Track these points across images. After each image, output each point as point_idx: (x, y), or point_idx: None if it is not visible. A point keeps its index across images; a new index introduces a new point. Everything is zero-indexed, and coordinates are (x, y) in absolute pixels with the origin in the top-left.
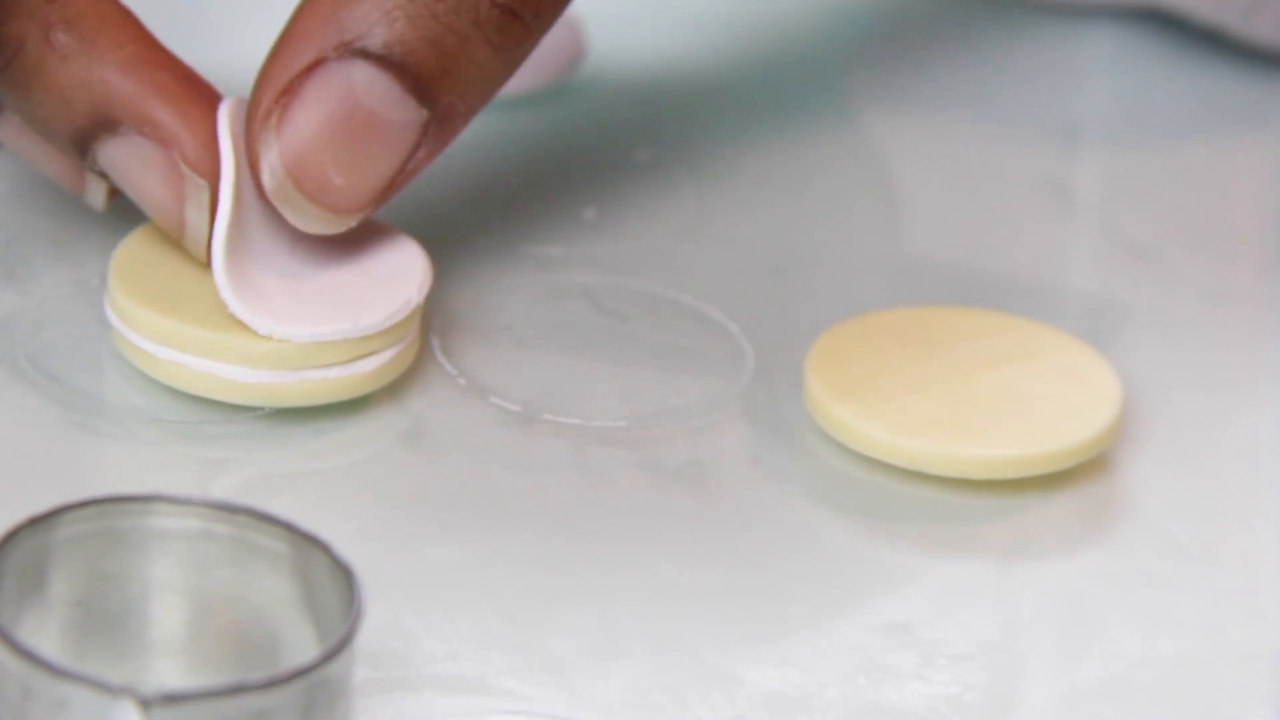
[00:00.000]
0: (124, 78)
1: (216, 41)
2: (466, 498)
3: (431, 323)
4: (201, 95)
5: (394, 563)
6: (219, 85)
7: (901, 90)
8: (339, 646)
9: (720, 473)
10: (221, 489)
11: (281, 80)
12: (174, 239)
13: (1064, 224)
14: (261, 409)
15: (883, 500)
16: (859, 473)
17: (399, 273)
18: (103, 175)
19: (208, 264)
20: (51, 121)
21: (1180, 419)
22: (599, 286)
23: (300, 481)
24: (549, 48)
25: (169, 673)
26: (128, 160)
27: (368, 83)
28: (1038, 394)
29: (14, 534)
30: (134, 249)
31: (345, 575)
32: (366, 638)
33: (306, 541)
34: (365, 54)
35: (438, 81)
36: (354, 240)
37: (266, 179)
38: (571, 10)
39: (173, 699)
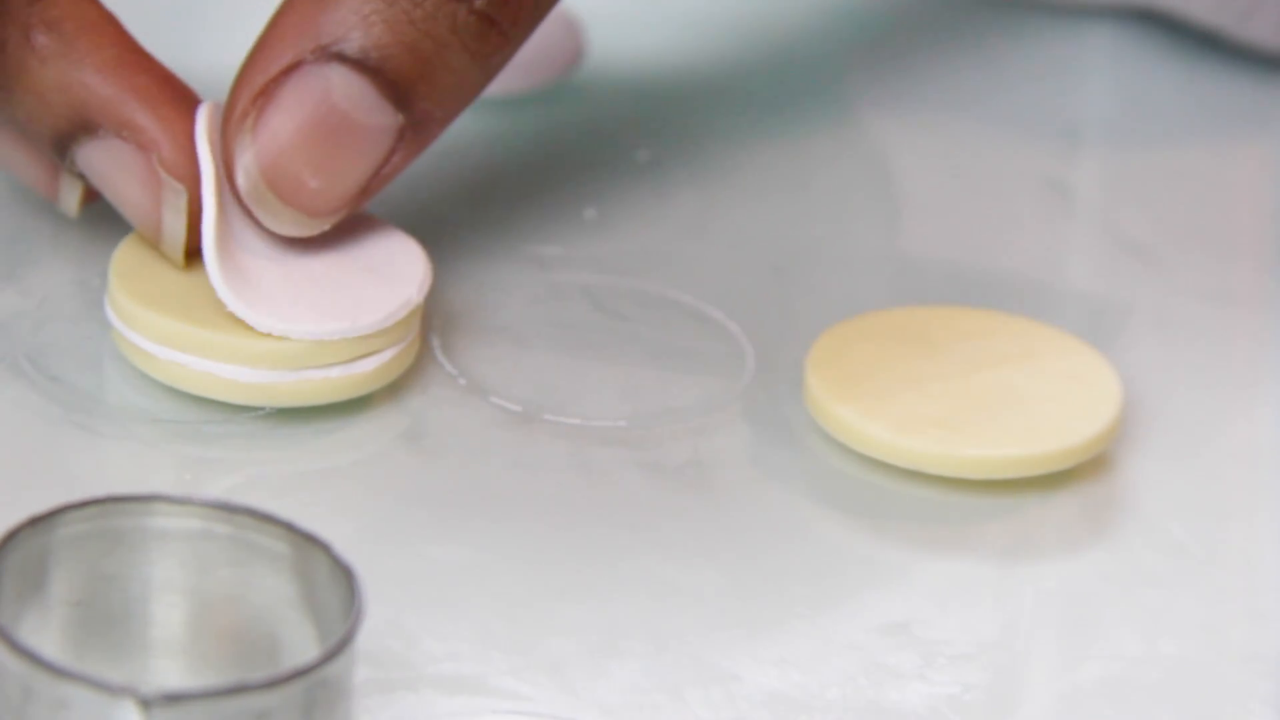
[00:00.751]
0: (103, 81)
1: (199, 45)
2: (466, 498)
3: (431, 323)
4: (180, 99)
5: (394, 563)
6: (202, 89)
7: (901, 90)
8: (339, 646)
9: (720, 473)
10: (221, 489)
11: (258, 82)
12: (151, 242)
13: (1064, 224)
14: (261, 409)
15: (883, 500)
16: (859, 472)
17: (399, 272)
18: (81, 177)
19: (184, 267)
20: (30, 123)
21: (1180, 419)
22: (599, 286)
23: (300, 481)
24: (549, 48)
25: (169, 673)
26: (106, 163)
27: (344, 86)
28: (1038, 394)
29: (14, 534)
30: (134, 249)
31: (345, 575)
32: (367, 638)
33: (306, 541)
34: (342, 58)
35: (414, 87)
36: (353, 239)
37: (241, 180)
38: (571, 10)
39: (173, 699)
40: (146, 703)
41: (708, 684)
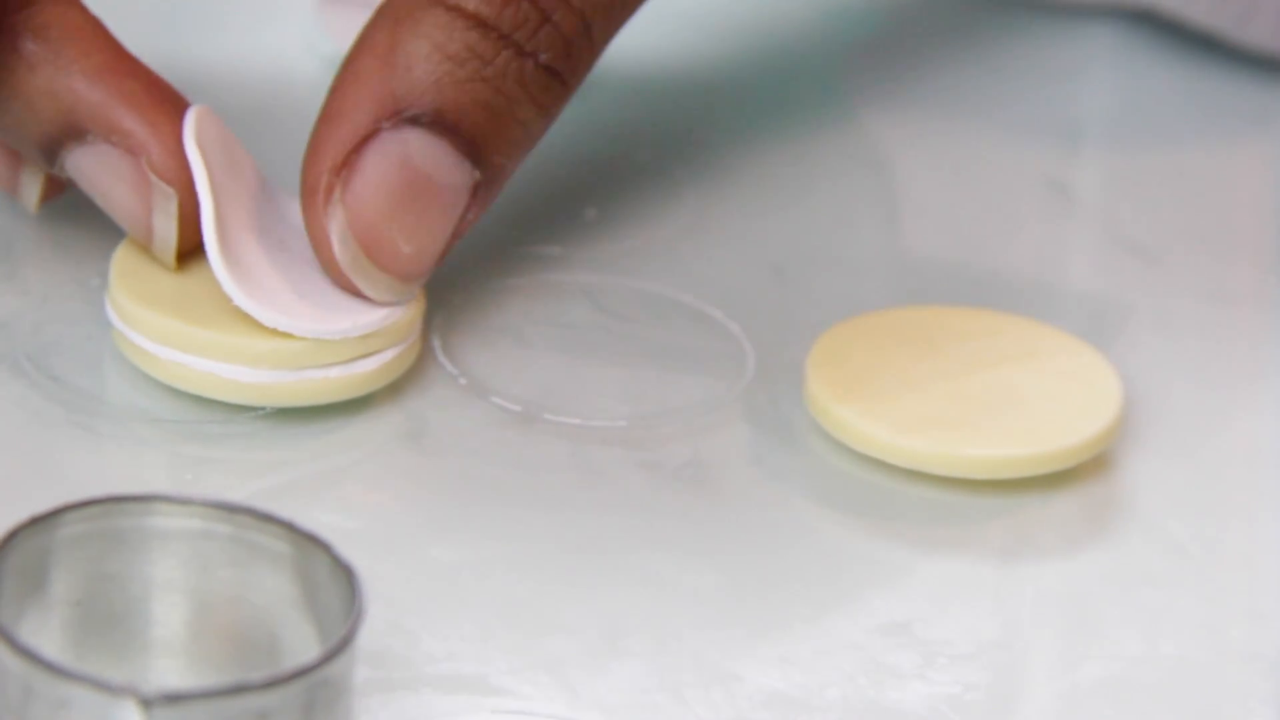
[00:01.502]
0: (91, 86)
1: (186, 48)
2: (466, 498)
3: (432, 323)
4: (168, 103)
5: (395, 562)
6: (189, 92)
7: (902, 90)
8: (340, 646)
9: (720, 472)
10: (221, 489)
11: (338, 153)
12: (143, 245)
13: (1064, 224)
14: (262, 409)
15: (883, 500)
16: (859, 472)
17: None
18: (70, 182)
19: (175, 269)
20: (19, 129)
21: (1181, 419)
22: (599, 286)
23: (300, 481)
24: None
25: (170, 673)
26: (95, 168)
27: (423, 149)
28: (1038, 394)
29: (15, 534)
30: (134, 249)
31: (346, 575)
32: (367, 637)
33: (307, 541)
34: (418, 121)
35: (489, 142)
36: None
37: (339, 251)
38: None
39: (174, 699)
40: (147, 702)
41: (708, 684)
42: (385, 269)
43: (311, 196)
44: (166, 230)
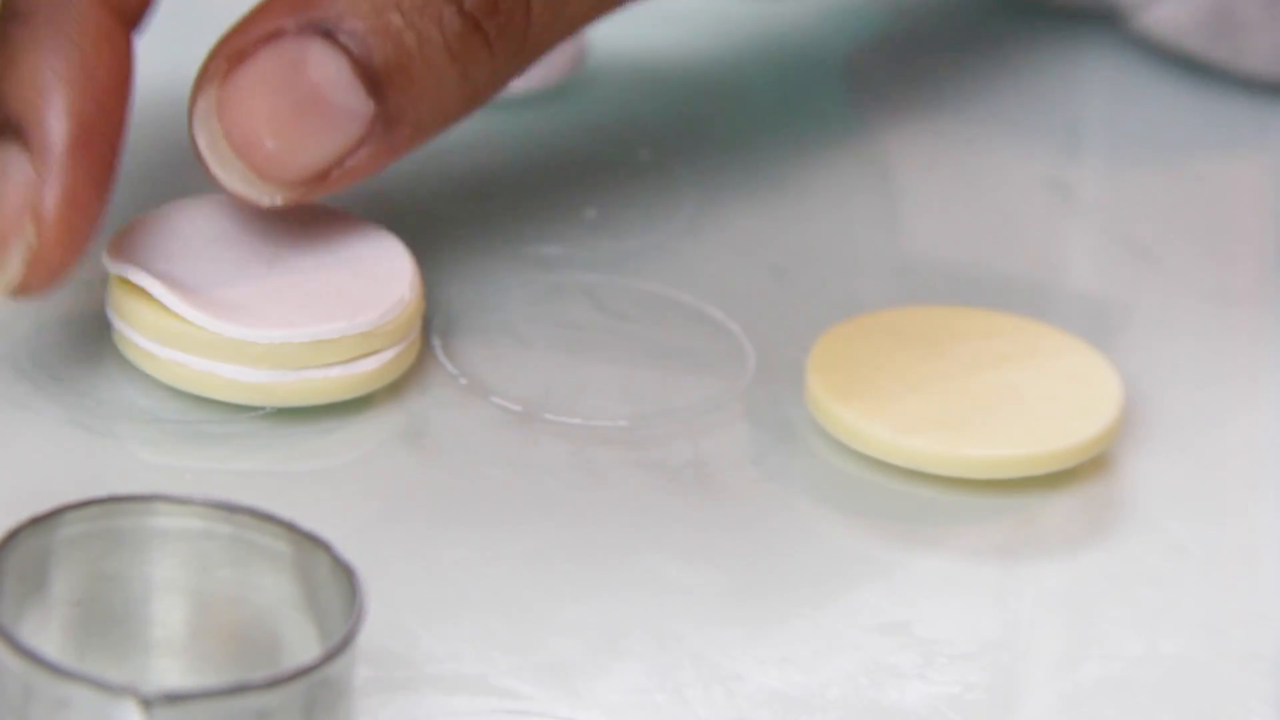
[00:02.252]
0: (49, 92)
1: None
2: (467, 498)
3: (432, 323)
4: (101, 154)
5: (395, 562)
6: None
7: (902, 90)
8: (340, 646)
9: (721, 473)
10: (222, 489)
11: (237, 44)
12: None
13: (1064, 224)
14: (261, 409)
15: (883, 500)
16: (859, 472)
17: (387, 270)
18: None
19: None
20: None
21: (1181, 419)
22: (599, 286)
23: (300, 481)
24: None
25: (170, 672)
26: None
27: (320, 61)
28: (1038, 394)
29: (15, 534)
30: None
31: (346, 575)
32: (368, 637)
33: (307, 541)
34: (325, 34)
35: (390, 77)
36: (336, 240)
37: (197, 127)
38: None
39: (174, 699)
40: (147, 702)
41: (708, 684)
42: (241, 155)
43: (199, 79)
44: (12, 264)
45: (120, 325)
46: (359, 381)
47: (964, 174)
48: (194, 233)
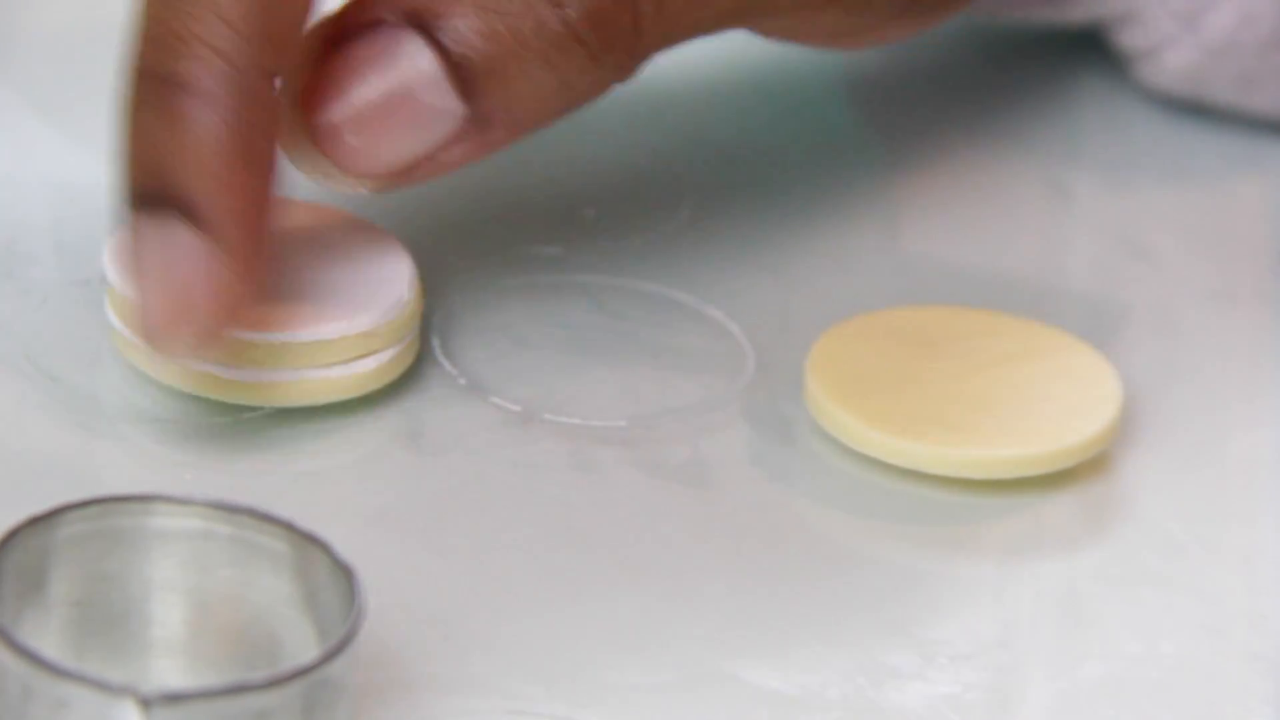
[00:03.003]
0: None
1: None
2: (466, 498)
3: (431, 323)
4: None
5: (394, 562)
6: None
7: (902, 90)
8: (339, 646)
9: (720, 473)
10: (221, 489)
11: (331, 29)
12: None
13: (1064, 224)
14: (261, 409)
15: (883, 500)
16: (859, 473)
17: (386, 270)
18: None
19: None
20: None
21: (1180, 419)
22: (599, 286)
23: (300, 481)
24: None
25: (169, 672)
26: (167, 240)
27: (415, 59)
28: (1038, 394)
29: (14, 534)
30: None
31: (346, 575)
32: (367, 637)
33: (307, 541)
34: (424, 31)
35: (483, 80)
36: (336, 240)
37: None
38: None
39: (173, 699)
40: (146, 702)
41: (708, 684)
42: (316, 142)
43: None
44: (184, 337)
45: (120, 325)
46: (358, 381)
47: (964, 174)
48: None
